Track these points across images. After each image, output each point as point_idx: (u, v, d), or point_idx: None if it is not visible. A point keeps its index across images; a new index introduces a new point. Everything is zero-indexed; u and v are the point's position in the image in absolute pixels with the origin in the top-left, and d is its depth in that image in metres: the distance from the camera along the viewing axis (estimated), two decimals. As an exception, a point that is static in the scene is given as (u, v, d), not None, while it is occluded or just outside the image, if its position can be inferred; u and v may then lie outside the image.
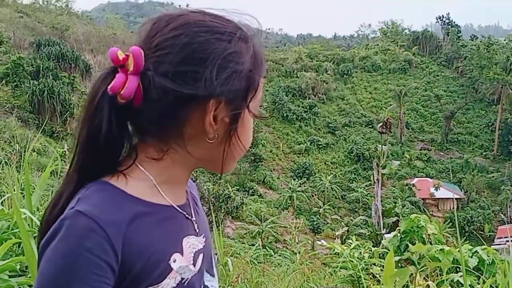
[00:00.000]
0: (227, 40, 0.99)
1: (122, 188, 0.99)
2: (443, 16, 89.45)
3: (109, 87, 0.96)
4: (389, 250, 3.95)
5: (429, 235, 3.75)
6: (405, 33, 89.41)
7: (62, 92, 39.56)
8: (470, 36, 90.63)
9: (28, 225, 2.43)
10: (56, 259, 0.88)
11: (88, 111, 0.99)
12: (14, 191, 2.87)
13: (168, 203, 1.05)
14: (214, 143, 1.02)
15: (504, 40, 78.78)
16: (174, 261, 1.01)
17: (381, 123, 20.66)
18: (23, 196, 2.79)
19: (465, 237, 29.23)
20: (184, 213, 1.08)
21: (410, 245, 3.65)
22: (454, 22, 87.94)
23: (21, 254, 2.37)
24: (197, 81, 0.96)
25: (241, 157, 1.10)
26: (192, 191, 1.19)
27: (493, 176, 56.42)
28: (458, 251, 3.67)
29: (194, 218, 1.11)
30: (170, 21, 1.00)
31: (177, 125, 0.99)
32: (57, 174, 3.47)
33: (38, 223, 2.30)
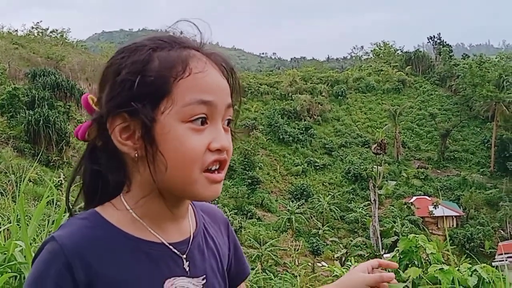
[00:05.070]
0: (128, 55, 0.95)
1: (106, 217, 0.97)
2: (434, 36, 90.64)
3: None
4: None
5: (427, 254, 3.73)
6: (398, 53, 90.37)
7: (57, 121, 39.60)
8: (462, 55, 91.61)
9: (24, 257, 2.41)
10: (31, 276, 0.92)
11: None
12: (10, 222, 2.85)
13: (157, 239, 0.98)
14: (142, 163, 0.94)
15: (496, 58, 79.72)
16: None
17: (375, 144, 20.67)
18: (19, 227, 2.77)
19: (466, 255, 29.03)
20: (173, 249, 0.99)
21: (400, 272, 3.63)
22: (445, 42, 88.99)
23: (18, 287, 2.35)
24: (101, 104, 0.97)
25: (194, 175, 0.93)
26: (209, 227, 1.11)
27: (491, 193, 56.37)
28: (458, 270, 3.66)
29: (184, 256, 1.00)
30: None
31: (115, 152, 0.96)
32: (53, 204, 3.45)
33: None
